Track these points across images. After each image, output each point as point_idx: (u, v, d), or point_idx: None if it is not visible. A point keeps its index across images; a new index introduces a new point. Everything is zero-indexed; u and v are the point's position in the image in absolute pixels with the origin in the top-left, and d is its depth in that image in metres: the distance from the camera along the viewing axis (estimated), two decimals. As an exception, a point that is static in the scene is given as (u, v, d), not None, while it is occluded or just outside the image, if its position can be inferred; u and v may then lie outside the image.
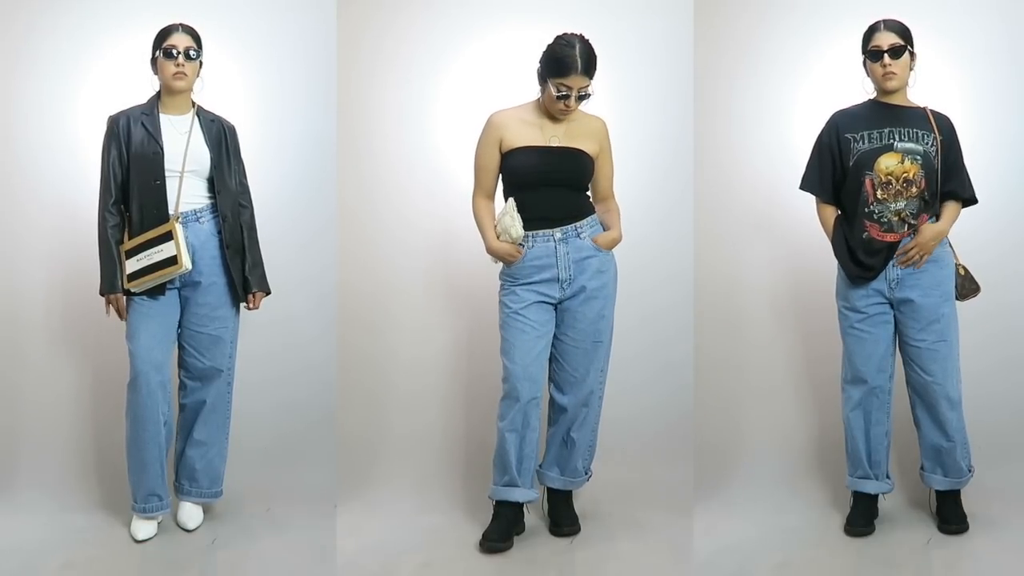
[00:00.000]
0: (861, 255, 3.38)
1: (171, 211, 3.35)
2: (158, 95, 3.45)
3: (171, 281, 3.39)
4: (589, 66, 3.22)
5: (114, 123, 3.41)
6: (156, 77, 3.43)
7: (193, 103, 3.48)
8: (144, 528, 3.43)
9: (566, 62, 3.20)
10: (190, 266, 3.33)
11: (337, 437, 3.90)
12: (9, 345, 3.98)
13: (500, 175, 3.40)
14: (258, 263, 3.52)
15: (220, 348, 3.50)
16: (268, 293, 3.55)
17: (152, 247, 3.33)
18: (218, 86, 3.56)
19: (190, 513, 3.51)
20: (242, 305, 3.52)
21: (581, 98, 3.27)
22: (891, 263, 3.37)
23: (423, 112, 4.08)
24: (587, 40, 3.25)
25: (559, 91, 3.23)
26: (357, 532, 3.48)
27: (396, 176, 4.09)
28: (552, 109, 3.31)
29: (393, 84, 4.07)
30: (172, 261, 3.29)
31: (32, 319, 4.00)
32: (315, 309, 4.00)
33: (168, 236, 3.31)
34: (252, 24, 4.02)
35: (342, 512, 3.60)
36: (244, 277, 3.47)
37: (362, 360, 4.07)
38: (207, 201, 3.43)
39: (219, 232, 3.42)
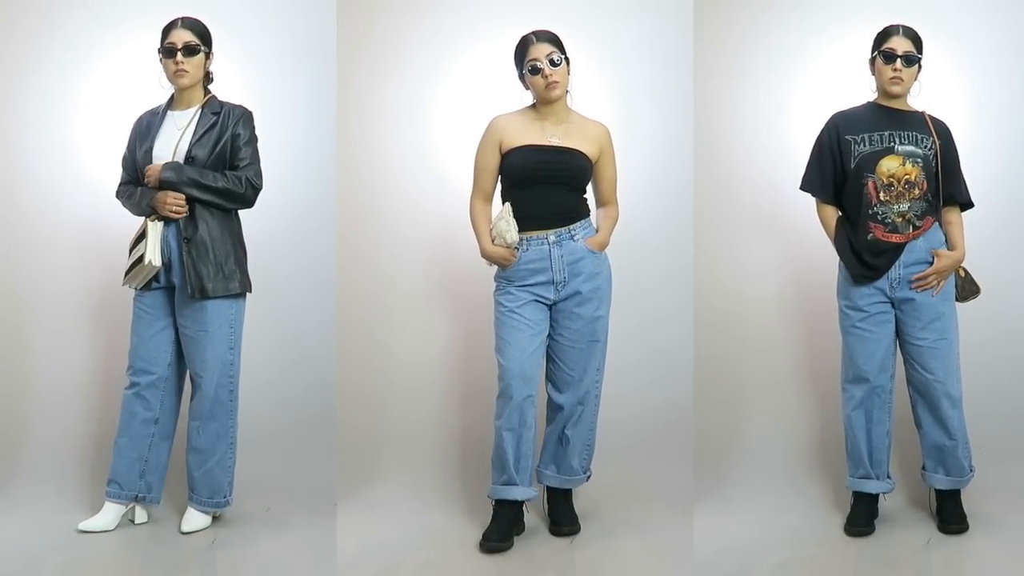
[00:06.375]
0: (867, 256, 3.38)
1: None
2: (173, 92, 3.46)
3: (156, 279, 3.38)
4: (549, 36, 3.35)
5: (136, 122, 3.47)
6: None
7: (206, 96, 3.43)
8: (96, 517, 3.42)
9: (525, 40, 3.37)
10: (158, 264, 3.31)
11: (337, 436, 3.90)
12: (9, 346, 3.99)
13: (499, 177, 3.43)
14: (202, 175, 3.28)
15: (199, 353, 3.39)
16: (170, 181, 3.27)
17: (138, 243, 3.36)
18: (219, 87, 3.55)
19: (187, 516, 3.47)
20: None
21: (555, 65, 3.32)
22: (896, 263, 3.37)
23: (423, 112, 4.08)
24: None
25: (530, 66, 3.32)
26: (357, 532, 3.47)
27: (395, 175, 4.09)
28: (539, 92, 3.36)
29: (393, 84, 4.07)
30: (144, 259, 3.31)
31: (32, 319, 4.00)
32: (314, 308, 4.00)
33: (145, 234, 3.33)
34: (253, 25, 4.02)
35: (342, 512, 3.60)
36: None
37: (362, 359, 4.06)
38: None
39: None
